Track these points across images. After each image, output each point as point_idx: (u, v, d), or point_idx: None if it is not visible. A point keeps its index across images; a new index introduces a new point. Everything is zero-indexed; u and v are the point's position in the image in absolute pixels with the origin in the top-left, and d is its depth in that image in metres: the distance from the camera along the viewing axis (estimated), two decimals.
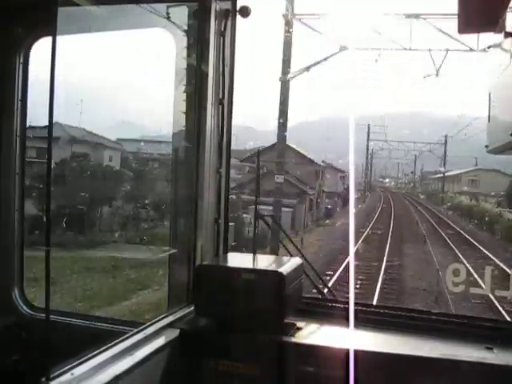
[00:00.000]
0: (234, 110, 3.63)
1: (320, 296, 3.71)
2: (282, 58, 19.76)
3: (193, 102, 3.50)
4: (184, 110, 3.59)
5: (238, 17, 3.56)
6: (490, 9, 2.69)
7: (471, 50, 18.81)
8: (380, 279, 17.86)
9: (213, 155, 3.53)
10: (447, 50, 19.76)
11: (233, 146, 3.69)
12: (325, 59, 20.45)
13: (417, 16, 18.75)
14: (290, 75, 19.94)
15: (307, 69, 20.51)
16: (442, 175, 51.94)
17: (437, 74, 20.84)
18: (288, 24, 19.63)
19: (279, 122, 20.26)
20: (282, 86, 20.03)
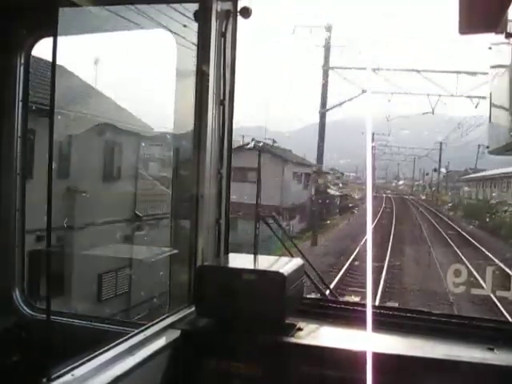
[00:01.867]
0: (236, 111, 3.64)
1: (321, 297, 3.71)
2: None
3: (194, 102, 3.50)
4: (185, 111, 3.59)
5: (239, 18, 3.56)
6: (491, 9, 2.68)
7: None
8: None
9: (214, 156, 3.53)
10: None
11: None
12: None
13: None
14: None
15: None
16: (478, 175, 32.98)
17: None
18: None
19: None
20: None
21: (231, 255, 3.67)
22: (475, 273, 12.02)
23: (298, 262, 3.35)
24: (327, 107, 25.65)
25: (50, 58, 2.34)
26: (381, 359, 2.78)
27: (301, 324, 3.18)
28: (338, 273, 16.50)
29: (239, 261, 3.57)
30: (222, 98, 3.54)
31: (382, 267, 17.29)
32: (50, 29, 2.36)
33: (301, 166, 26.03)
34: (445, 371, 2.75)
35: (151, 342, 2.89)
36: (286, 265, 3.22)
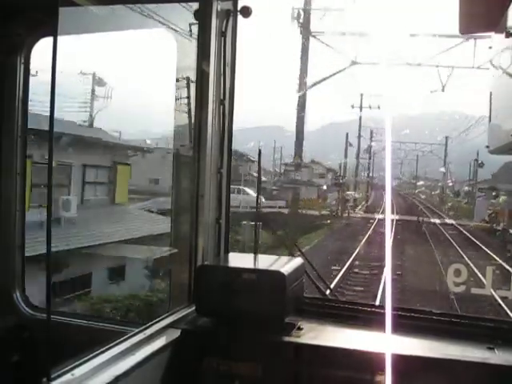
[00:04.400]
0: (235, 110, 3.64)
1: (321, 296, 3.72)
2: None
3: (194, 102, 3.51)
4: (185, 110, 3.60)
5: (240, 17, 3.57)
6: (491, 9, 2.69)
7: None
8: None
9: (214, 155, 3.54)
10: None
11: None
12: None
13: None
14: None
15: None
16: None
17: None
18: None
19: None
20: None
21: (231, 254, 3.67)
22: None
23: (298, 261, 3.36)
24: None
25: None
26: (382, 358, 2.78)
27: (301, 323, 3.18)
28: None
29: (239, 260, 3.58)
30: (222, 97, 3.54)
31: None
32: (50, 28, 2.36)
33: None
34: (443, 370, 2.75)
35: (151, 341, 2.89)
36: (286, 264, 3.22)
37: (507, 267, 15.55)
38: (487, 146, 3.24)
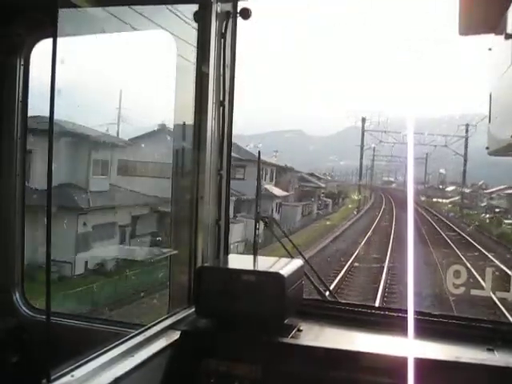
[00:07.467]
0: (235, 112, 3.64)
1: (320, 298, 3.71)
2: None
3: (193, 103, 3.51)
4: (184, 111, 3.59)
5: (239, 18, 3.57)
6: (491, 10, 2.69)
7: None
8: None
9: (213, 157, 3.54)
10: None
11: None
12: None
13: None
14: None
15: None
16: None
17: None
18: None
19: None
20: None
21: (231, 256, 3.68)
22: None
23: (297, 262, 3.36)
24: None
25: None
26: (382, 359, 2.78)
27: (300, 325, 3.18)
28: None
29: (239, 262, 3.58)
30: (221, 98, 3.54)
31: None
32: (50, 29, 2.36)
33: None
34: (443, 372, 2.75)
35: (151, 342, 2.89)
36: (286, 266, 3.22)
37: None
38: (487, 148, 3.24)
